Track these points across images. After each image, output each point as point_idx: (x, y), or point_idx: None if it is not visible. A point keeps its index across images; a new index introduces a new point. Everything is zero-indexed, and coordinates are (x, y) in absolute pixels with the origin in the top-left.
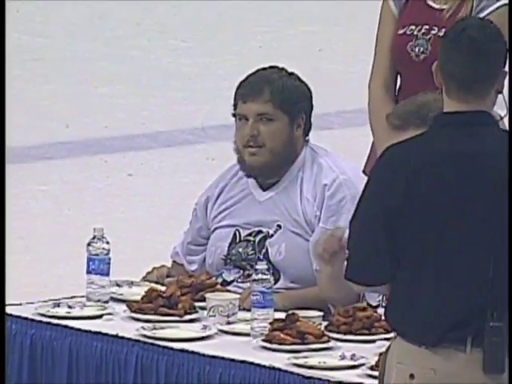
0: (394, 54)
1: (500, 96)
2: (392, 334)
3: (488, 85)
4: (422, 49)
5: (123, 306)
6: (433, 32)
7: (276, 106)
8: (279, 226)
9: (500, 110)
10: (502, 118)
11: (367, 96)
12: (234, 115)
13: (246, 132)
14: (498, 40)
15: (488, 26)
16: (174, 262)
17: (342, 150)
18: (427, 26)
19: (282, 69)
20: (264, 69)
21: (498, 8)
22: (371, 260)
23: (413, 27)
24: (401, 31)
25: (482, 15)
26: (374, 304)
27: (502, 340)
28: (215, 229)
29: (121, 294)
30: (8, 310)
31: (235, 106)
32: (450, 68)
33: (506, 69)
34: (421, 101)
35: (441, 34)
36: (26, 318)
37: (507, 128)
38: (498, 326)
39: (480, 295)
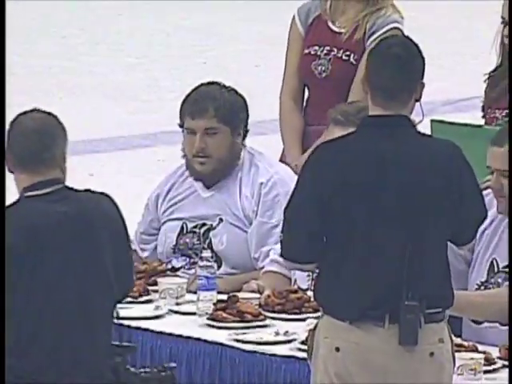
0: (301, 71)
1: (417, 104)
2: (320, 313)
3: (409, 94)
4: (323, 68)
5: None
6: (333, 53)
7: (219, 120)
8: (221, 220)
9: (415, 116)
10: (417, 124)
11: None
12: (180, 126)
13: (196, 145)
14: (417, 56)
15: (410, 45)
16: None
17: (275, 153)
18: (328, 48)
19: (222, 85)
20: (206, 84)
21: (386, 31)
22: (302, 241)
23: (316, 48)
24: (306, 51)
25: (373, 37)
26: (304, 287)
27: (415, 316)
28: (165, 221)
29: None
30: None
31: (182, 119)
32: (376, 79)
33: (424, 80)
34: (360, 105)
35: (339, 55)
36: None
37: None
38: (412, 305)
39: (396, 277)
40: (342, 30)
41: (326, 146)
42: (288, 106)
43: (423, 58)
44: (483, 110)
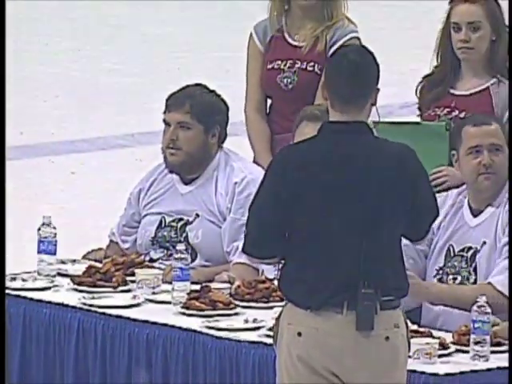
0: (265, 85)
1: (373, 107)
2: (284, 302)
3: (364, 99)
4: (289, 80)
5: (67, 280)
6: (297, 65)
7: (193, 116)
8: (197, 215)
9: (373, 119)
10: (374, 126)
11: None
12: (164, 120)
13: (168, 136)
14: (372, 63)
15: (365, 52)
16: (111, 240)
17: (247, 152)
18: (291, 61)
19: (205, 87)
20: (192, 85)
21: (346, 41)
22: (265, 238)
23: (279, 62)
24: (269, 66)
25: (335, 47)
26: (272, 277)
27: (371, 304)
28: (145, 215)
29: (65, 270)
30: None
31: (164, 113)
32: (334, 86)
33: (379, 86)
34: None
35: (303, 66)
36: None
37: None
38: (368, 293)
39: (353, 268)
40: (302, 44)
41: (288, 149)
42: (254, 117)
43: (378, 65)
44: (420, 110)
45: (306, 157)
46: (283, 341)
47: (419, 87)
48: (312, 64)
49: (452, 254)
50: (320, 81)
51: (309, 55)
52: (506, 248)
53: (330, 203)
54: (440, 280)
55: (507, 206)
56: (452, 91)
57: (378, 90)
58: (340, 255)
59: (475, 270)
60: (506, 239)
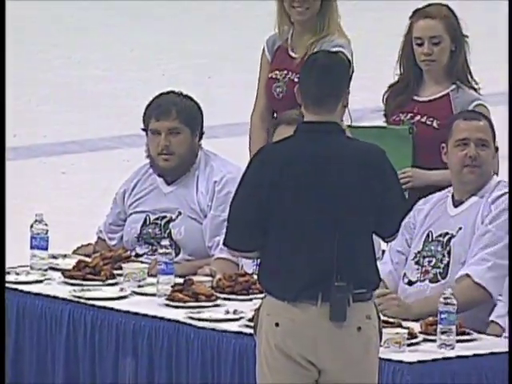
0: (267, 94)
1: (346, 109)
2: (263, 294)
3: (336, 101)
4: (281, 89)
5: (59, 274)
6: (288, 76)
7: (181, 121)
8: (180, 213)
9: (345, 121)
10: (349, 126)
11: (244, 112)
12: (144, 129)
13: (161, 143)
14: (342, 66)
15: (334, 56)
16: (99, 237)
17: (226, 153)
18: (285, 72)
19: (179, 92)
20: (167, 93)
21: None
22: (245, 232)
23: (277, 72)
24: (270, 75)
25: None
26: (250, 271)
27: (344, 296)
28: (130, 214)
29: (57, 264)
30: None
31: (146, 122)
32: (306, 89)
33: (349, 88)
34: None
35: (292, 77)
36: None
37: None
38: (341, 285)
39: (327, 262)
40: (297, 55)
41: (266, 149)
42: (257, 124)
43: (347, 69)
44: (385, 116)
45: (283, 156)
46: (262, 330)
47: (385, 95)
48: (299, 76)
49: (430, 240)
50: None
51: (299, 67)
52: (486, 238)
53: (304, 200)
54: (417, 263)
55: (491, 199)
56: (415, 98)
57: (349, 92)
58: (314, 250)
59: (449, 253)
60: (486, 229)
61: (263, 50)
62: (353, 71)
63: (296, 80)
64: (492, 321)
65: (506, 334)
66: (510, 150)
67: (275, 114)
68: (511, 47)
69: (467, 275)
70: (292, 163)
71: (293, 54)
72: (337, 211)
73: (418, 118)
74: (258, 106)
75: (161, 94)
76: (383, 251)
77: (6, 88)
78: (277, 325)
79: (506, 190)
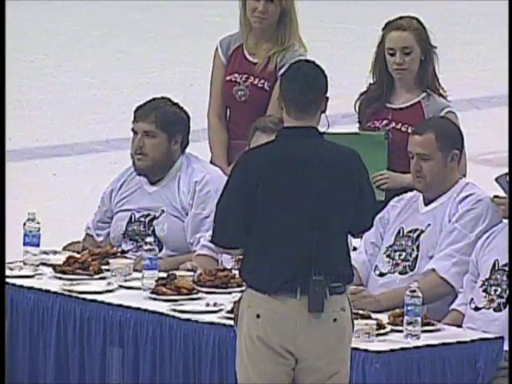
0: (224, 94)
1: (323, 115)
2: (244, 287)
3: (316, 106)
4: (243, 93)
5: (50, 269)
6: (250, 80)
7: (158, 126)
8: (163, 211)
9: (321, 127)
10: (324, 133)
11: None
12: (132, 130)
13: (135, 144)
14: (322, 75)
15: (315, 66)
16: (87, 234)
17: (207, 156)
18: (246, 75)
19: (169, 99)
20: (158, 98)
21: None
22: (230, 231)
23: (236, 75)
24: (228, 78)
25: (284, 69)
26: (229, 267)
27: (321, 289)
28: (117, 212)
29: (48, 260)
30: None
31: (132, 122)
32: (289, 95)
33: (328, 95)
34: (279, 117)
35: (255, 82)
36: None
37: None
38: (318, 279)
39: (306, 258)
40: (256, 61)
41: (250, 152)
42: (215, 123)
43: (326, 77)
44: (360, 123)
45: (266, 159)
46: (243, 322)
47: (358, 103)
48: (263, 81)
49: (401, 235)
50: (269, 97)
51: (261, 73)
52: (453, 235)
53: (285, 200)
54: (388, 256)
55: (458, 199)
56: (388, 105)
57: (327, 98)
58: (294, 246)
59: (418, 247)
60: (453, 227)
61: (216, 51)
62: None
63: (260, 85)
64: (453, 309)
65: (465, 320)
66: (510, 150)
67: (228, 112)
68: (511, 49)
69: (433, 270)
70: (274, 166)
71: (251, 59)
72: (315, 211)
73: (392, 124)
74: (214, 106)
75: (153, 99)
76: (354, 248)
77: (5, 87)
78: (258, 316)
79: (473, 191)
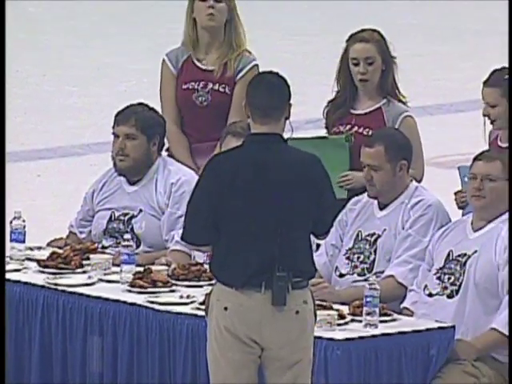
0: (181, 102)
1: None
2: (214, 281)
3: (280, 112)
4: (204, 98)
5: (34, 263)
6: (209, 87)
7: (138, 129)
8: (141, 210)
9: (285, 133)
10: (288, 139)
11: None
12: (113, 133)
13: (117, 146)
14: (285, 83)
15: (279, 75)
16: (70, 231)
17: None
18: (204, 82)
19: (146, 105)
20: (136, 104)
21: (250, 68)
22: (199, 230)
23: (193, 83)
24: (184, 86)
25: (241, 73)
26: (201, 262)
27: (284, 284)
28: (98, 210)
29: (33, 255)
30: None
31: (113, 126)
32: (254, 102)
33: (291, 102)
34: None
35: (216, 87)
36: None
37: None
38: (281, 275)
39: (270, 255)
40: (211, 68)
41: (218, 156)
42: (174, 129)
43: (289, 86)
44: (327, 128)
45: (232, 163)
46: (213, 314)
47: (325, 110)
48: (223, 86)
49: (360, 238)
50: (230, 100)
51: (221, 79)
52: (408, 241)
53: (251, 201)
54: (348, 258)
55: (410, 205)
56: (352, 111)
57: (291, 105)
58: (259, 244)
59: (375, 250)
60: (407, 233)
61: (163, 63)
62: None
63: (221, 90)
64: (405, 307)
65: (419, 306)
66: (510, 148)
67: (183, 117)
68: (511, 49)
69: (392, 276)
70: (240, 170)
71: (203, 66)
72: (279, 212)
73: (355, 128)
74: (170, 114)
75: (132, 104)
76: (317, 245)
77: (5, 86)
78: (225, 309)
79: (423, 196)
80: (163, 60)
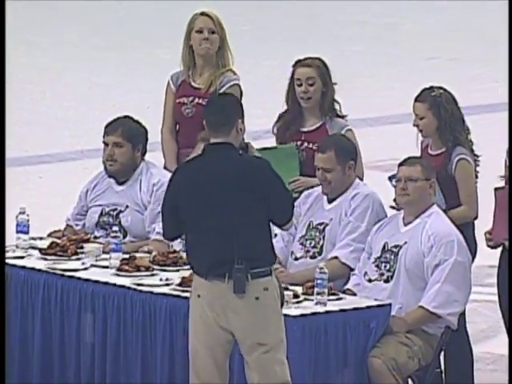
0: (175, 114)
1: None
2: (188, 266)
3: (228, 127)
4: (189, 110)
5: (37, 251)
6: (196, 101)
7: (124, 138)
8: (127, 206)
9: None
10: (247, 146)
11: None
12: (103, 142)
13: (107, 152)
14: (233, 103)
15: (231, 97)
16: (67, 224)
17: (161, 163)
18: (192, 97)
19: (131, 118)
20: (122, 117)
21: (231, 85)
22: (169, 227)
23: (184, 98)
24: (178, 100)
25: (222, 90)
26: (178, 249)
27: (242, 276)
28: (91, 207)
29: (35, 244)
30: None
31: (103, 136)
32: (208, 119)
33: (243, 118)
34: None
35: (200, 101)
36: None
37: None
38: (240, 268)
39: (230, 250)
40: (201, 86)
41: (182, 165)
42: (167, 137)
43: (240, 105)
44: (280, 144)
45: (193, 172)
46: (191, 301)
47: (276, 126)
48: (206, 100)
49: (311, 227)
50: None
51: (205, 94)
52: (349, 226)
53: (209, 202)
54: (301, 244)
55: (350, 196)
56: (301, 129)
57: (242, 121)
58: (219, 240)
59: (324, 237)
60: (348, 220)
61: (168, 83)
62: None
63: (203, 104)
64: (347, 288)
65: (361, 289)
66: (510, 147)
67: (177, 127)
68: (511, 50)
69: (336, 257)
70: (199, 176)
71: (195, 85)
72: (235, 211)
73: (305, 144)
74: (166, 123)
75: (118, 118)
76: (275, 234)
77: (5, 86)
78: (199, 296)
79: (361, 189)
80: (168, 80)
